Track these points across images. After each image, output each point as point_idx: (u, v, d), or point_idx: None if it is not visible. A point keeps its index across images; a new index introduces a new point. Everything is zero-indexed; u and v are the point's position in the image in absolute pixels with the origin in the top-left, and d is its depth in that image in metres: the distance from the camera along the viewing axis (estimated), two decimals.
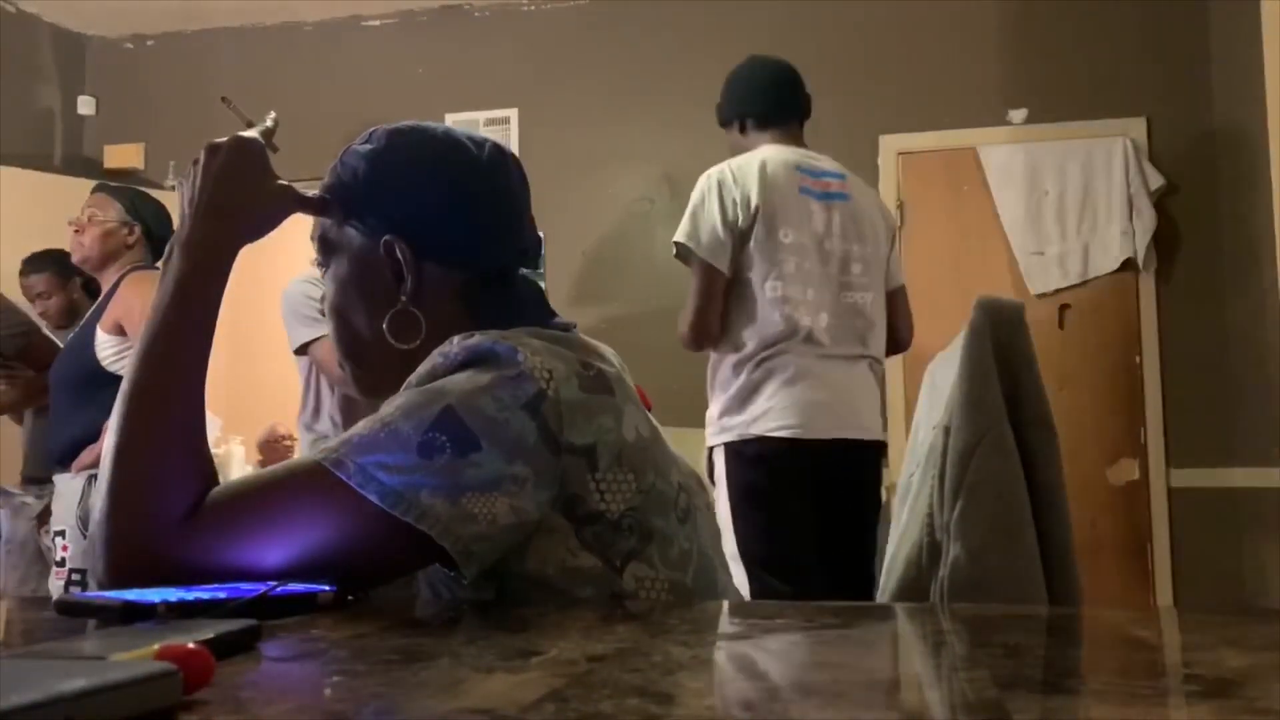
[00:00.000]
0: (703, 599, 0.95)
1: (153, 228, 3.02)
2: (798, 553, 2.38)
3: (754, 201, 2.46)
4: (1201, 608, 3.89)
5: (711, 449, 2.50)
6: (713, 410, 2.52)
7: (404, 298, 1.02)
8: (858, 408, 2.49)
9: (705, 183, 2.53)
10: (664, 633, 0.69)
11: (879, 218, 2.62)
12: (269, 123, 1.05)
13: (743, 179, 2.48)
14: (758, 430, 2.40)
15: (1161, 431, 4.20)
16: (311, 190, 1.05)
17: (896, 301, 2.68)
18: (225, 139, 0.99)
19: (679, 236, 2.53)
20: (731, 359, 2.48)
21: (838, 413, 2.43)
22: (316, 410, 2.95)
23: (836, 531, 2.45)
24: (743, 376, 2.45)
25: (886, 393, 4.28)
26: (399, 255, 1.01)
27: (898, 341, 2.70)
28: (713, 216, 2.48)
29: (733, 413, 2.45)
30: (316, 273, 2.50)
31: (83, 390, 2.82)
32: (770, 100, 2.62)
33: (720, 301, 2.49)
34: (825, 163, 2.60)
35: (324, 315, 2.19)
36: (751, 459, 2.41)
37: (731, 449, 2.44)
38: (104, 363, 2.85)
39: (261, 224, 0.99)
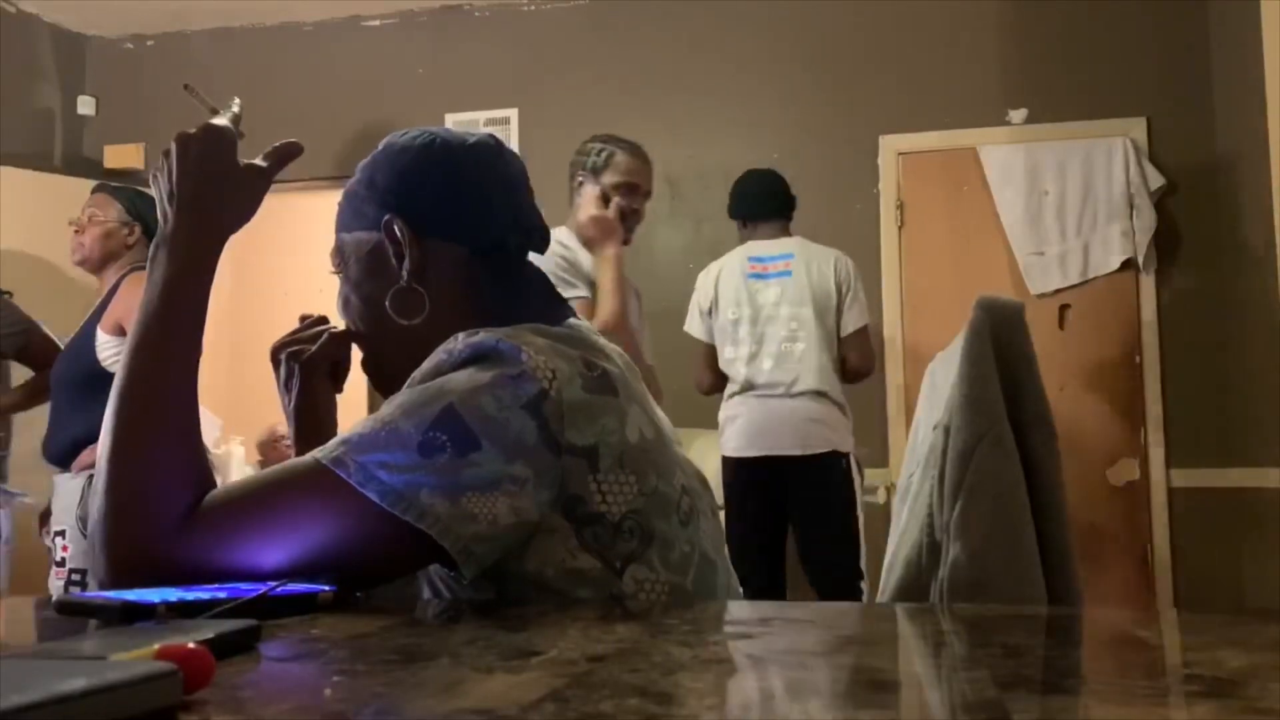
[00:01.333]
0: (703, 602, 0.95)
1: (153, 227, 3.01)
2: (744, 536, 3.28)
3: (710, 294, 3.47)
4: (1201, 608, 3.89)
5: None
6: None
7: (405, 274, 1.02)
8: (792, 431, 3.29)
9: (697, 281, 3.57)
10: (664, 633, 0.69)
11: (820, 284, 3.40)
12: (235, 109, 1.04)
13: (707, 281, 3.51)
14: (724, 451, 3.41)
15: (1161, 431, 4.20)
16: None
17: (851, 342, 3.42)
18: (195, 129, 0.97)
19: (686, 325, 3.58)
20: (721, 401, 3.48)
21: (768, 437, 3.30)
22: None
23: (796, 518, 3.39)
24: (720, 414, 3.46)
25: (886, 393, 4.31)
26: (398, 233, 1.02)
27: (851, 374, 3.45)
28: (694, 306, 3.54)
29: (720, 437, 3.45)
30: (561, 236, 2.46)
31: (83, 390, 2.82)
32: (756, 206, 3.56)
33: (704, 361, 3.51)
34: (781, 246, 3.46)
35: (571, 277, 2.40)
36: (727, 469, 3.40)
37: (722, 461, 3.43)
38: (104, 363, 2.84)
39: (243, 213, 0.99)
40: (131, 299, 2.84)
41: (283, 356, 1.16)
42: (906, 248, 4.44)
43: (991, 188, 4.36)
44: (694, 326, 3.54)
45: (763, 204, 3.56)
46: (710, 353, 3.49)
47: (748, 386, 3.36)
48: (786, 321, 3.36)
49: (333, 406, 1.18)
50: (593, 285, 2.49)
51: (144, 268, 3.08)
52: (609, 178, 2.61)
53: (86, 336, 2.91)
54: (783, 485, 3.32)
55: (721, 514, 3.24)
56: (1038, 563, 0.99)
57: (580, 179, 2.65)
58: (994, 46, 4.46)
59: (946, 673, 0.60)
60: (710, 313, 3.47)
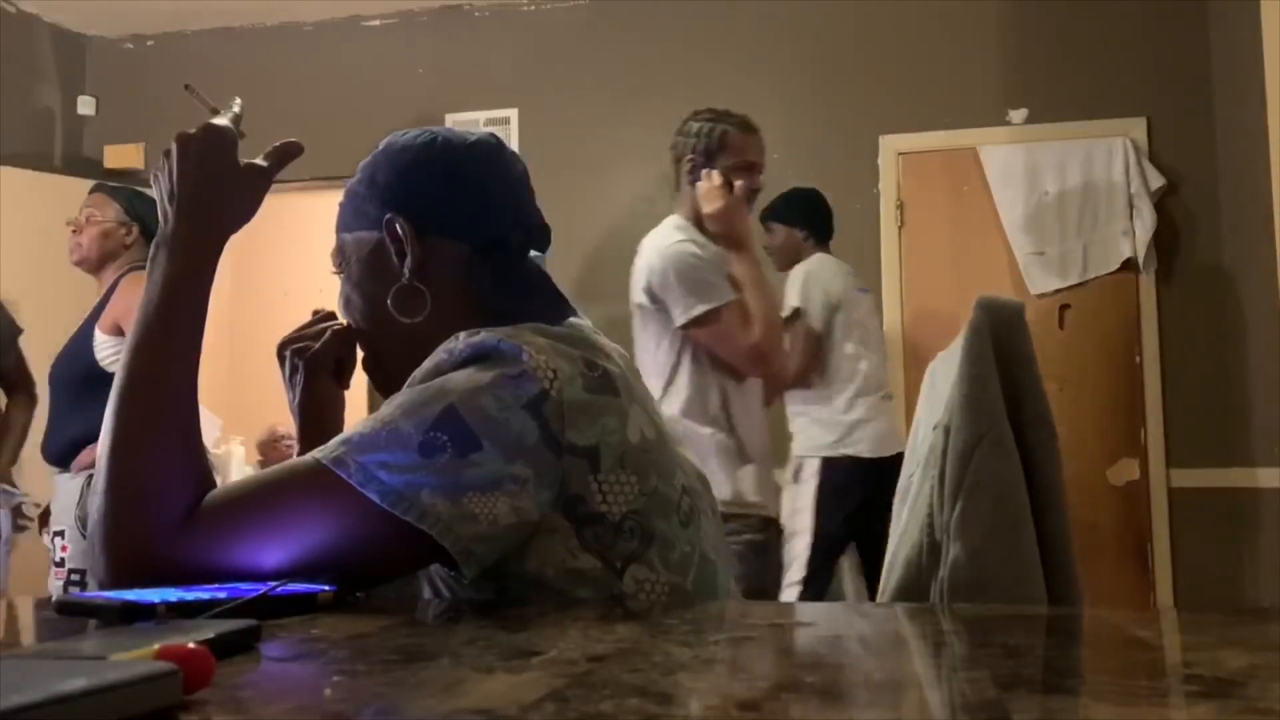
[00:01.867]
0: (703, 602, 0.95)
1: (151, 227, 2.99)
2: (841, 537, 3.43)
3: (838, 290, 3.47)
4: (1201, 608, 3.89)
5: (804, 458, 3.45)
6: (813, 431, 3.45)
7: (406, 272, 1.02)
8: (897, 432, 3.45)
9: (804, 275, 3.51)
10: (664, 633, 0.69)
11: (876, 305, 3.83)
12: (235, 109, 1.04)
13: (828, 276, 3.50)
14: (850, 451, 3.37)
15: (1161, 431, 4.20)
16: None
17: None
18: (196, 129, 0.97)
19: (796, 302, 3.44)
20: (829, 398, 3.42)
21: (896, 437, 3.39)
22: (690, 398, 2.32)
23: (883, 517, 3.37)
24: (840, 412, 3.40)
25: None
26: (399, 231, 1.02)
27: None
28: (817, 298, 3.46)
29: (833, 436, 3.40)
30: (682, 228, 2.34)
31: (81, 390, 2.82)
32: (828, 226, 3.71)
33: (814, 350, 3.45)
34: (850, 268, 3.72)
35: (717, 278, 2.28)
36: (844, 469, 3.36)
37: (827, 461, 3.39)
38: (102, 363, 2.85)
39: (243, 213, 0.99)
40: (129, 299, 2.83)
41: (288, 353, 1.16)
42: (906, 248, 4.44)
43: (991, 188, 4.36)
44: (813, 315, 3.46)
45: (831, 227, 3.74)
46: (820, 343, 3.45)
47: (875, 388, 3.47)
48: (875, 331, 3.66)
49: (339, 404, 1.18)
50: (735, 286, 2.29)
51: (142, 267, 3.07)
52: (725, 160, 2.36)
53: (84, 336, 2.91)
54: (882, 483, 3.50)
55: (811, 515, 3.35)
56: (1038, 563, 0.99)
57: (692, 162, 2.39)
58: (994, 46, 4.46)
59: (946, 673, 0.60)
60: (838, 307, 3.46)
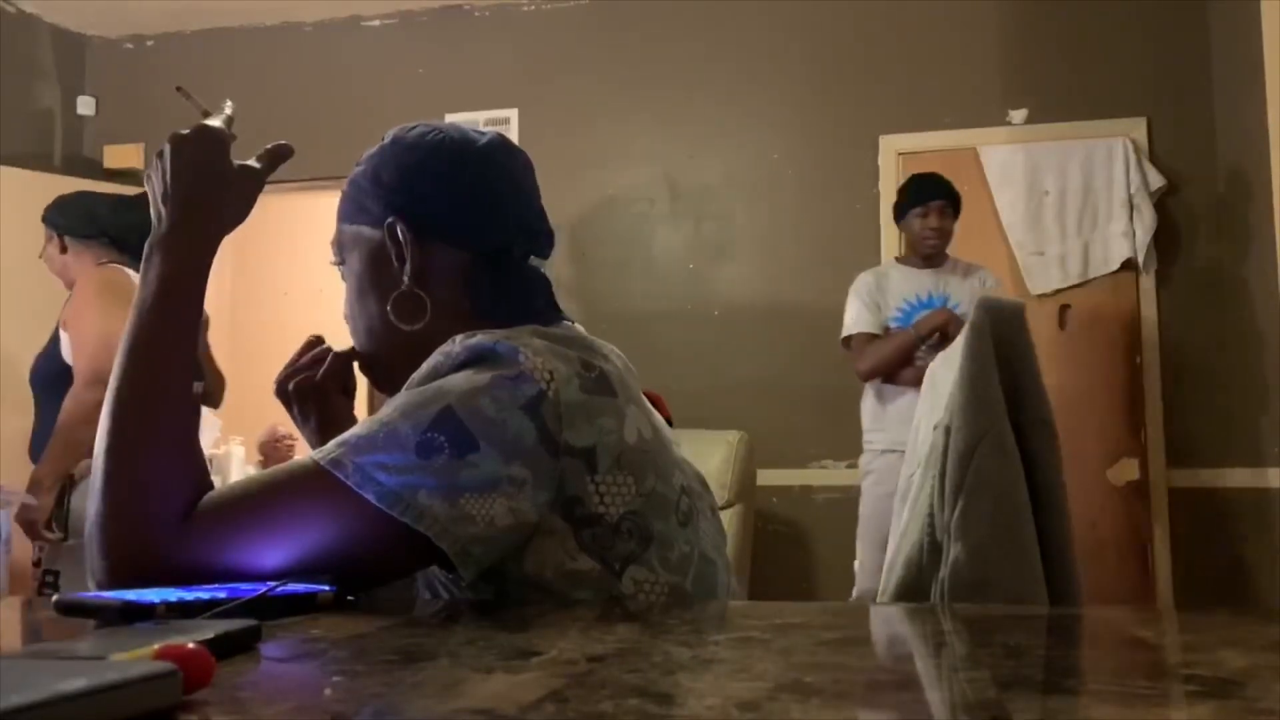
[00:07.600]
0: (702, 602, 0.95)
1: (60, 224, 3.13)
2: None
3: None
4: (1201, 608, 3.89)
5: None
6: None
7: (406, 278, 1.02)
8: None
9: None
10: (664, 633, 0.69)
11: None
12: (228, 110, 1.04)
13: None
14: None
15: (1162, 431, 4.19)
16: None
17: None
18: (189, 130, 0.97)
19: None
20: None
21: None
22: None
23: None
24: None
25: None
26: (400, 236, 1.02)
27: None
28: None
29: None
30: None
31: (58, 388, 2.86)
32: None
33: None
34: None
35: None
36: None
37: None
38: (67, 360, 2.91)
39: (237, 213, 0.99)
40: (76, 295, 2.95)
41: (291, 388, 1.14)
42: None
43: (991, 188, 4.36)
44: None
45: None
46: None
47: None
48: None
49: (353, 422, 1.16)
50: None
51: (90, 265, 3.07)
52: None
53: (55, 336, 2.99)
54: None
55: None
56: (1039, 563, 0.99)
57: None
58: (994, 46, 4.46)
59: (946, 673, 0.60)
60: None
